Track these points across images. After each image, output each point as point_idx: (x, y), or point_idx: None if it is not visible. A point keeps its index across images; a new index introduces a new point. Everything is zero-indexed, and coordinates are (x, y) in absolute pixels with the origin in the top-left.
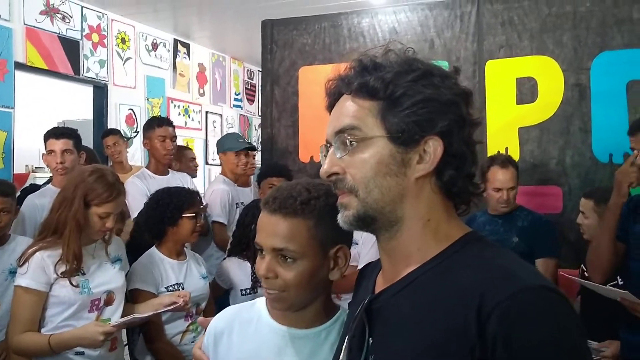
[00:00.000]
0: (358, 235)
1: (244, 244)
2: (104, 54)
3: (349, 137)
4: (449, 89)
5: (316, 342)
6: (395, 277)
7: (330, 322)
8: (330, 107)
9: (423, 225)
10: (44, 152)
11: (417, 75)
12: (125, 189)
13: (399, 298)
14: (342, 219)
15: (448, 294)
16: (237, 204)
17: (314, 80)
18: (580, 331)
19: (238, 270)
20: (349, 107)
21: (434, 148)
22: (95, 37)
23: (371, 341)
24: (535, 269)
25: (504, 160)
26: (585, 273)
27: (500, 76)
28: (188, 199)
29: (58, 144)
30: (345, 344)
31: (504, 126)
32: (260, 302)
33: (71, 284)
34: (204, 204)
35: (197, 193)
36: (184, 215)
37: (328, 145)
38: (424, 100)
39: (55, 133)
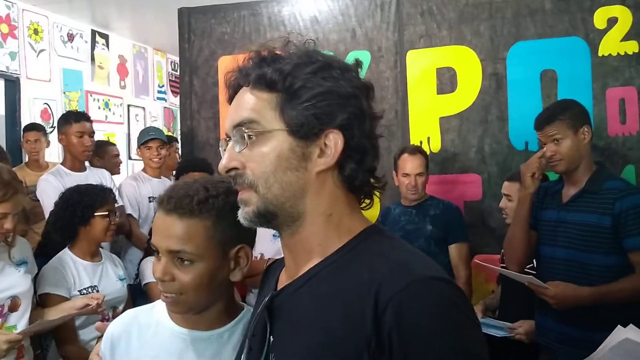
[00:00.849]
0: None
1: None
2: (14, 45)
3: (247, 131)
4: (348, 81)
5: (219, 343)
6: (297, 273)
7: (233, 323)
8: (230, 100)
9: (325, 220)
10: None
11: (316, 67)
12: (39, 186)
13: (300, 294)
14: (242, 215)
15: (346, 287)
16: (150, 198)
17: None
18: (470, 320)
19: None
20: (248, 100)
21: (334, 142)
22: (4, 28)
23: (272, 339)
24: (430, 260)
25: (412, 148)
26: None
27: (421, 66)
28: (100, 196)
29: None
30: (246, 343)
31: (425, 116)
32: (160, 305)
33: None
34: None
35: (110, 190)
36: (96, 214)
37: (227, 139)
38: (323, 93)
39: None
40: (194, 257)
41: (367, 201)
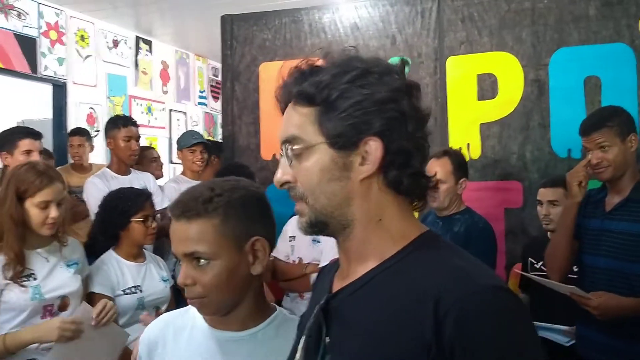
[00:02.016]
0: (296, 227)
1: None
2: (62, 51)
3: (292, 147)
4: (387, 85)
5: (253, 343)
6: (353, 276)
7: (266, 323)
8: (283, 113)
9: (375, 225)
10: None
11: (354, 75)
12: (85, 188)
13: (356, 297)
14: (298, 225)
15: (404, 294)
16: None
17: (274, 76)
18: (532, 331)
19: None
20: (292, 116)
21: (374, 148)
22: (53, 35)
23: (327, 340)
24: (489, 269)
25: (441, 152)
26: (536, 265)
27: (461, 72)
28: (136, 202)
29: (36, 145)
30: (301, 343)
31: (465, 122)
32: (194, 308)
33: (21, 285)
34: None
35: (148, 195)
36: (132, 219)
37: (282, 153)
38: (359, 102)
39: (32, 133)
40: (209, 255)
41: (418, 203)
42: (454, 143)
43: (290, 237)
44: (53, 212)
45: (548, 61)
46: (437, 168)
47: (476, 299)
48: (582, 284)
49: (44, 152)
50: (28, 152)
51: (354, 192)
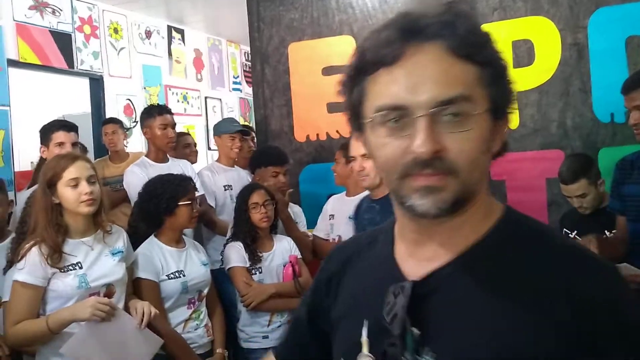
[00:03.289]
0: (335, 206)
1: (241, 227)
2: (97, 45)
3: (458, 110)
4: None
5: None
6: (440, 258)
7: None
8: (391, 58)
9: (482, 200)
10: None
11: (489, 36)
12: (125, 177)
13: (454, 283)
14: (430, 204)
15: (515, 276)
16: (225, 186)
17: (304, 56)
18: None
19: (236, 255)
20: (453, 70)
21: (508, 121)
22: (87, 29)
23: (417, 332)
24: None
25: None
26: (570, 236)
27: (495, 40)
28: (182, 186)
29: (70, 137)
30: (364, 334)
31: None
32: None
33: (67, 274)
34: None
35: (191, 179)
36: (179, 203)
37: (402, 111)
38: (506, 69)
39: (65, 126)
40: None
41: None
42: None
43: (330, 215)
44: (85, 188)
45: (587, 23)
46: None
47: (615, 286)
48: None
49: (78, 144)
50: (61, 144)
51: (487, 167)
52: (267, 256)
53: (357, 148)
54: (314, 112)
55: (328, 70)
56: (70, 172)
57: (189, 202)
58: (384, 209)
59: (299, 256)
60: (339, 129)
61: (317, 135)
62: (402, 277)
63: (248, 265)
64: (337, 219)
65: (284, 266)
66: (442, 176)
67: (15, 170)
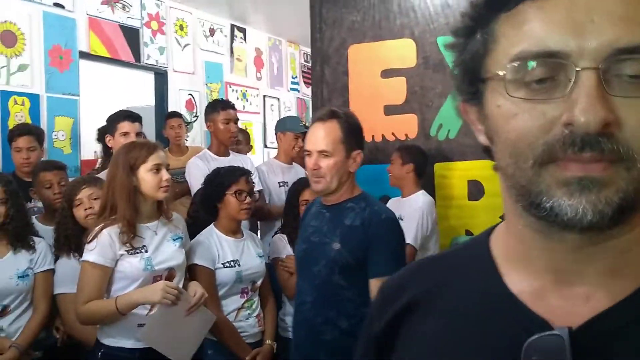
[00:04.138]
0: (404, 207)
1: (289, 222)
2: (163, 41)
3: None
4: None
5: None
6: (603, 296)
7: None
8: None
9: None
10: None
11: None
12: (187, 169)
13: (628, 337)
14: (586, 205)
15: None
16: (280, 183)
17: (364, 58)
18: None
19: (280, 247)
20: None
21: None
22: (154, 25)
23: None
24: None
25: (326, 112)
26: None
27: None
28: (230, 176)
29: (134, 127)
30: None
31: None
32: None
33: (132, 251)
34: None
35: (243, 171)
36: (226, 192)
37: (555, 61)
38: None
39: (130, 116)
40: None
41: None
42: None
43: None
44: (165, 175)
45: None
46: (321, 134)
47: None
48: None
49: (142, 135)
50: (125, 134)
51: None
52: None
53: (314, 142)
54: (371, 114)
55: (387, 73)
56: (154, 159)
57: (235, 192)
58: (334, 218)
59: None
60: (395, 131)
61: (373, 136)
62: (544, 324)
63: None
64: None
65: None
66: (608, 164)
67: (82, 158)
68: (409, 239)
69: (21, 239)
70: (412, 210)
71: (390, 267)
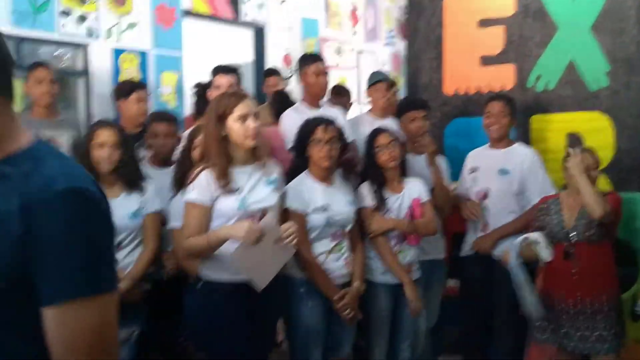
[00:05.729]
0: (477, 159)
1: (370, 170)
2: None
3: None
4: None
5: None
6: None
7: None
8: None
9: None
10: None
11: None
12: (282, 121)
13: None
14: None
15: None
16: None
17: (460, 8)
18: None
19: (364, 195)
20: None
21: None
22: None
23: None
24: None
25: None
26: None
27: None
28: (313, 125)
29: (228, 79)
30: None
31: None
32: None
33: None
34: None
35: (319, 121)
36: (310, 139)
37: None
38: None
39: (224, 68)
40: None
41: None
42: None
43: (471, 169)
44: (252, 123)
45: None
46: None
47: None
48: None
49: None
50: (219, 86)
51: None
52: (395, 199)
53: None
54: (466, 65)
55: (485, 23)
56: (240, 109)
57: (318, 140)
58: None
59: (423, 200)
60: (491, 82)
61: (467, 88)
62: None
63: (374, 206)
64: (481, 172)
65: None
66: None
67: (184, 115)
68: (553, 189)
69: (133, 182)
70: (526, 161)
71: (81, 283)
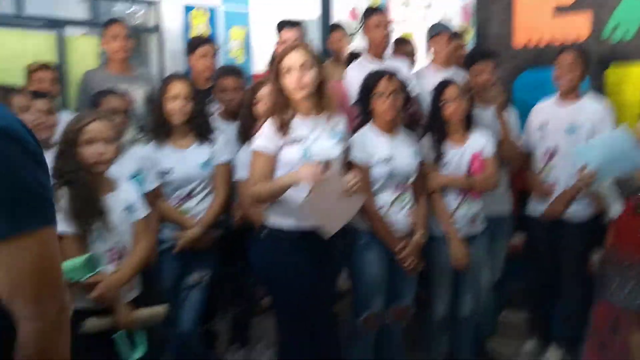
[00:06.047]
0: (547, 114)
1: (432, 122)
2: None
3: None
4: None
5: None
6: None
7: None
8: None
9: None
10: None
11: None
12: (346, 75)
13: None
14: None
15: None
16: None
17: None
18: None
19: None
20: None
21: None
22: None
23: None
24: None
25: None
26: None
27: None
28: (376, 78)
29: (291, 33)
30: None
31: None
32: None
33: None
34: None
35: (381, 73)
36: (374, 92)
37: None
38: None
39: (287, 23)
40: None
41: None
42: None
43: (538, 124)
44: (296, 74)
45: None
46: None
47: None
48: None
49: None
50: (284, 42)
51: None
52: (455, 152)
53: None
54: (539, 15)
55: None
56: (286, 61)
57: (381, 92)
58: None
59: (485, 154)
60: (564, 33)
61: (538, 40)
62: None
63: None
64: (549, 129)
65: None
66: None
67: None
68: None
69: (204, 133)
70: (596, 117)
71: (8, 222)
